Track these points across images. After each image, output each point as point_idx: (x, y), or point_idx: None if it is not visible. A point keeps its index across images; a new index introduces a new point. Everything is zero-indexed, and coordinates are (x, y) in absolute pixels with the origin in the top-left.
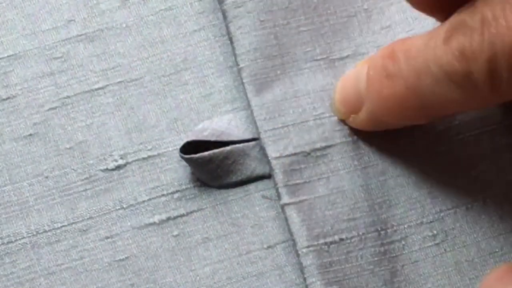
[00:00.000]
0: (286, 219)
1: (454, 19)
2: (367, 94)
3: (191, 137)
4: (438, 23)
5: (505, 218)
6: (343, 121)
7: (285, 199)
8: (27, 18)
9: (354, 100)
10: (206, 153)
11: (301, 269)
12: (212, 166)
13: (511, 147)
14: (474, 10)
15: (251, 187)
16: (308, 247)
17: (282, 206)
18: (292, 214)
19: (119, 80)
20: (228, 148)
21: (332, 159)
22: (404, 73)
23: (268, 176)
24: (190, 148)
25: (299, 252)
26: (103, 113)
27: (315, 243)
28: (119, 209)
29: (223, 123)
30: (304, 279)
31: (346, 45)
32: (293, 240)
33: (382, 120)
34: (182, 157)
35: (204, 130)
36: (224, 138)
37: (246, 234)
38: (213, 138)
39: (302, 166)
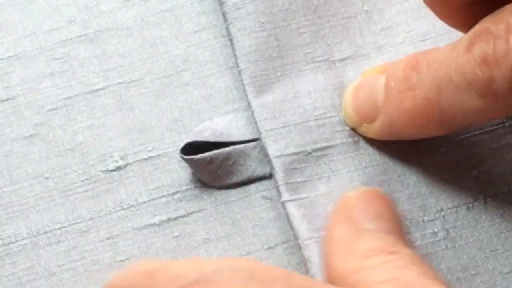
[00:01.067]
0: (286, 215)
1: (477, 27)
2: (385, 105)
3: (192, 138)
4: (438, 27)
5: (506, 217)
6: (344, 123)
7: (286, 196)
8: (28, 19)
9: (369, 110)
10: (206, 154)
11: (304, 262)
12: (213, 167)
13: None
14: (499, 19)
15: (252, 188)
16: (309, 238)
17: (283, 203)
18: (293, 209)
19: (119, 81)
20: (228, 149)
21: (333, 159)
22: (425, 84)
23: (268, 177)
24: (190, 149)
25: (301, 245)
26: (103, 114)
27: (316, 235)
28: (119, 210)
29: (223, 124)
30: (307, 270)
31: (346, 47)
32: (294, 234)
33: (400, 132)
34: (182, 158)
35: (205, 130)
36: (225, 138)
37: (246, 235)
38: (213, 139)
39: (303, 165)
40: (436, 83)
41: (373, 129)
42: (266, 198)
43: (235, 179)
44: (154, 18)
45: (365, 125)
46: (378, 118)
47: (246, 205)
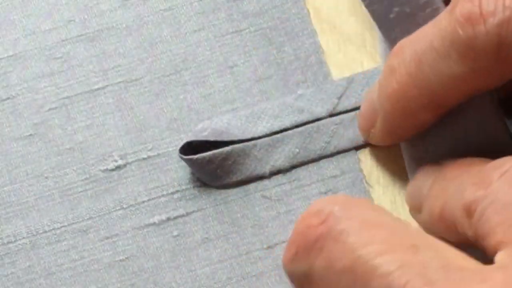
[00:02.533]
0: None
1: None
2: (378, 100)
3: (191, 137)
4: None
5: None
6: None
7: None
8: (27, 18)
9: (370, 113)
10: (206, 153)
11: None
12: (212, 167)
13: None
14: None
15: (251, 187)
16: None
17: None
18: None
19: (119, 80)
20: (228, 148)
21: None
22: (406, 61)
23: (268, 176)
24: (189, 148)
25: None
26: (103, 113)
27: None
28: (119, 209)
29: (223, 123)
30: None
31: None
32: None
33: (393, 126)
34: (181, 158)
35: (204, 130)
36: (224, 138)
37: (246, 234)
38: (213, 138)
39: None
40: (416, 55)
41: (376, 132)
42: (265, 197)
43: (234, 178)
44: (153, 17)
45: (371, 131)
46: (377, 118)
47: (246, 204)
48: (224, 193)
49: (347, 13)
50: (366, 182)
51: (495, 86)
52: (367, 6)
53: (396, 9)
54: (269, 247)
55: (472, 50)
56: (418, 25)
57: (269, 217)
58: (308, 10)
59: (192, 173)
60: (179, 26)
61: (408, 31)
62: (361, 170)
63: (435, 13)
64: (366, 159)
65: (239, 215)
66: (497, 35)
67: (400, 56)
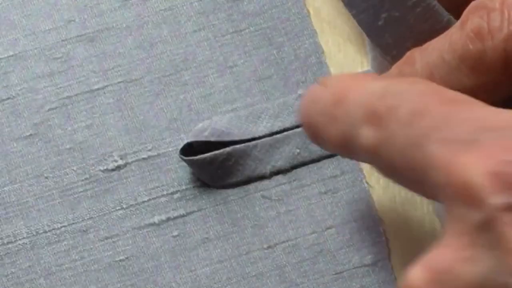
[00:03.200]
0: None
1: (471, 5)
2: None
3: (191, 137)
4: None
5: None
6: None
7: None
8: (27, 19)
9: None
10: (206, 154)
11: None
12: (213, 167)
13: None
14: None
15: (251, 187)
16: None
17: None
18: None
19: (119, 80)
20: (228, 149)
21: None
22: (418, 72)
23: (268, 176)
24: (190, 148)
25: None
26: (103, 113)
27: None
28: (119, 209)
29: (223, 123)
30: None
31: None
32: None
33: None
34: (182, 159)
35: (204, 130)
36: (224, 138)
37: (246, 234)
38: (213, 138)
39: None
40: (428, 68)
41: None
42: (265, 197)
43: (235, 178)
44: (153, 17)
45: None
46: None
47: (246, 204)
48: (224, 193)
49: (347, 13)
50: (366, 182)
51: (504, 98)
52: (354, 16)
53: (384, 15)
54: (269, 247)
55: (482, 65)
56: (410, 26)
57: (269, 217)
58: (308, 10)
59: (192, 173)
60: (179, 26)
61: (399, 34)
62: (361, 170)
63: (427, 10)
64: None
65: (239, 215)
66: (504, 50)
67: (411, 65)
